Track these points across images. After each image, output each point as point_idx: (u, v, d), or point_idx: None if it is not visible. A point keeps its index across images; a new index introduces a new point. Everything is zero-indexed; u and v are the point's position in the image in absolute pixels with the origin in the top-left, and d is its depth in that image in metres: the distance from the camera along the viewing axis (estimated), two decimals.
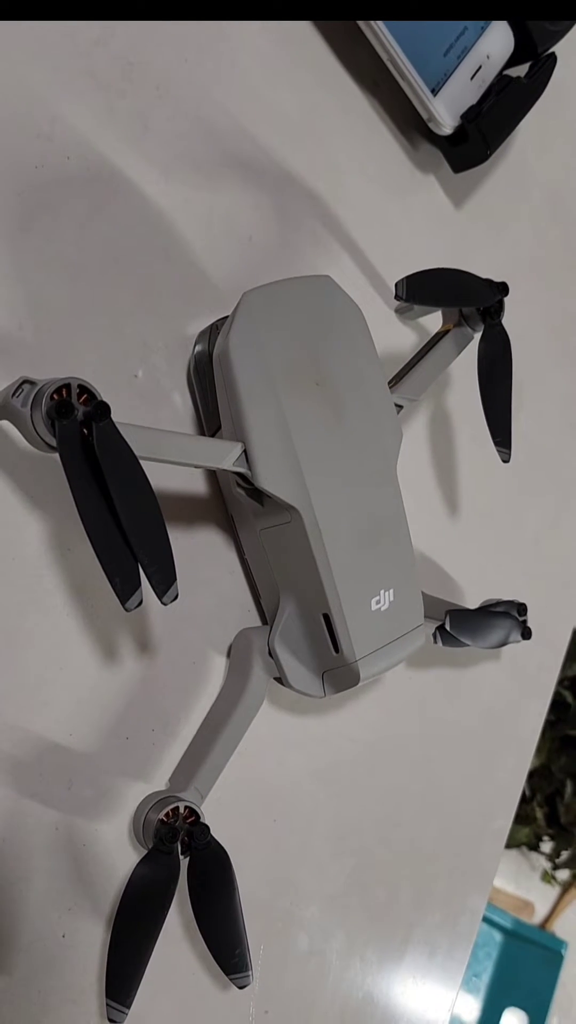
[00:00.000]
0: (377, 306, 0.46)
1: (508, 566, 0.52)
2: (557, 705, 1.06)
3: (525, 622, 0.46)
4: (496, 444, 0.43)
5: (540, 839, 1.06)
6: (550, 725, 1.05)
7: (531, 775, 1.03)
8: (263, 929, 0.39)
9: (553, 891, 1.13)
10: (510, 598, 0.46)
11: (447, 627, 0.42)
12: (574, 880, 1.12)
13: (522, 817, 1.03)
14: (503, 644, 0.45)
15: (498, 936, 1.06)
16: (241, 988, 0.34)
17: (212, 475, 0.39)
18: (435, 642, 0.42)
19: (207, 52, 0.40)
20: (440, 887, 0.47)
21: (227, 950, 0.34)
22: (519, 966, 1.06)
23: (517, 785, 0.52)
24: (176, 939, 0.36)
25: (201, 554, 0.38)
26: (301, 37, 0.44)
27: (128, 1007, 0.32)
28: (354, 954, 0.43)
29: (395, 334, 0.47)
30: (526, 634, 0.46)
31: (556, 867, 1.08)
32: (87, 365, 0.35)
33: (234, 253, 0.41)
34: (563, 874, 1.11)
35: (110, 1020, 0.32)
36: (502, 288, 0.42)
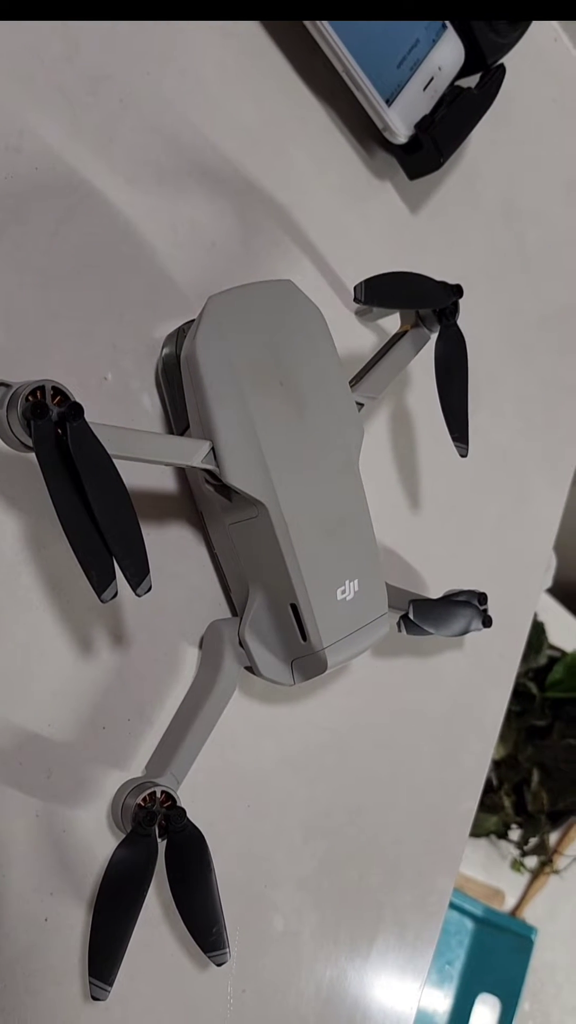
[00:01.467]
0: (337, 308, 0.47)
1: (469, 557, 0.54)
2: (522, 696, 1.09)
3: (486, 611, 0.48)
4: (454, 440, 0.45)
5: (508, 827, 1.09)
6: (516, 716, 1.08)
7: (498, 765, 1.05)
8: (239, 911, 0.41)
9: (522, 879, 1.15)
10: (471, 588, 0.48)
11: (411, 616, 0.44)
12: (543, 867, 1.15)
13: (490, 806, 1.05)
14: (465, 632, 0.47)
15: (469, 924, 1.08)
16: (219, 965, 0.36)
17: (182, 473, 0.40)
18: (400, 631, 0.44)
19: (168, 65, 0.42)
20: (409, 869, 0.49)
21: (205, 929, 0.35)
22: (491, 953, 1.08)
23: (482, 769, 0.54)
24: (155, 922, 0.38)
25: (172, 549, 0.40)
26: (259, 49, 0.46)
27: (111, 984, 0.33)
28: (327, 934, 0.44)
29: (355, 336, 0.48)
30: (487, 622, 0.48)
31: (524, 854, 1.11)
32: (58, 368, 0.37)
33: (198, 259, 0.42)
34: (531, 861, 1.14)
35: (93, 998, 0.33)
36: (456, 290, 0.44)
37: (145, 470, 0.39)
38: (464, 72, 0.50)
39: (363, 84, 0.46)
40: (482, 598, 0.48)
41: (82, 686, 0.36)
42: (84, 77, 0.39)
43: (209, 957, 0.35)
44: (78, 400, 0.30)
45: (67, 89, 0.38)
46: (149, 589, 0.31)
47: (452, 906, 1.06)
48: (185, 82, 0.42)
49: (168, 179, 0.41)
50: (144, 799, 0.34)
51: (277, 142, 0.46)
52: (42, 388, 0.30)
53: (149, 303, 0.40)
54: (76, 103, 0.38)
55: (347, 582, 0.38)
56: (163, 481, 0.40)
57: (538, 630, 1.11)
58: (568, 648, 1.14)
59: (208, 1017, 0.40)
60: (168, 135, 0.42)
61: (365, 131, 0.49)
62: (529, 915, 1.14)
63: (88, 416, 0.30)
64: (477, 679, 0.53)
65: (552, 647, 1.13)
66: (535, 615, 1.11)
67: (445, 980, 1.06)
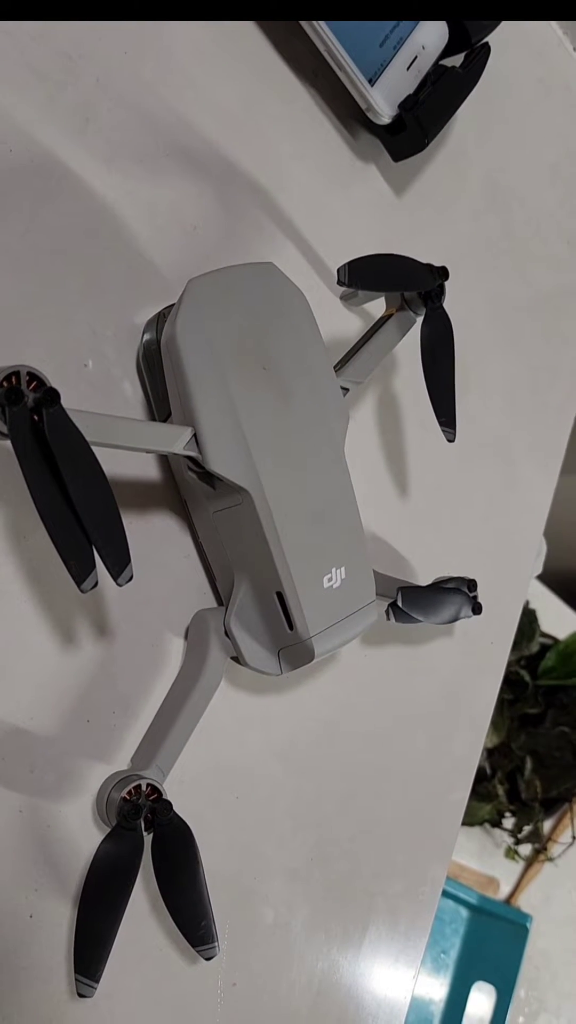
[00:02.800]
0: (322, 293, 0.47)
1: (458, 544, 0.53)
2: (515, 684, 1.09)
3: (475, 598, 0.47)
4: (441, 424, 0.45)
5: (502, 816, 1.08)
6: (509, 704, 1.07)
7: (491, 753, 1.05)
8: (228, 904, 0.40)
9: (517, 867, 1.15)
10: (460, 575, 0.48)
11: (399, 604, 0.43)
12: (537, 855, 1.14)
13: (484, 795, 1.05)
14: (455, 620, 0.46)
15: (464, 912, 1.07)
16: (208, 959, 0.35)
17: (165, 461, 0.40)
18: (388, 619, 0.43)
19: (146, 45, 0.41)
20: (401, 858, 0.48)
21: (193, 923, 0.35)
22: (486, 941, 1.08)
23: (473, 757, 0.53)
24: (143, 916, 0.37)
25: (156, 539, 0.39)
26: (239, 29, 0.45)
27: (97, 981, 0.32)
28: (318, 925, 0.44)
29: (340, 320, 0.48)
30: (477, 609, 0.47)
31: (518, 842, 1.11)
32: (36, 355, 0.36)
33: (180, 243, 0.41)
34: (525, 849, 1.14)
35: (80, 994, 0.32)
36: (442, 272, 0.43)
37: (127, 458, 0.38)
38: (448, 51, 0.49)
39: (345, 63, 0.45)
40: (472, 585, 0.47)
41: (65, 678, 0.36)
42: (58, 56, 0.38)
43: (198, 951, 0.35)
44: (56, 387, 0.29)
45: (41, 68, 0.37)
46: (131, 579, 0.30)
47: (447, 895, 1.06)
48: (164, 62, 0.42)
49: (147, 161, 0.41)
50: (129, 792, 0.34)
51: (259, 124, 0.45)
52: (17, 374, 0.29)
53: (129, 288, 0.39)
54: (50, 82, 0.37)
55: (333, 569, 0.38)
56: (146, 470, 0.39)
57: (530, 618, 1.11)
58: (560, 635, 1.13)
59: (198, 1012, 0.39)
60: (147, 116, 0.41)
61: (348, 112, 0.49)
62: (524, 903, 1.14)
63: (67, 403, 0.29)
64: (468, 667, 0.53)
65: (544, 635, 1.13)
66: (527, 602, 1.11)
67: (441, 968, 1.06)
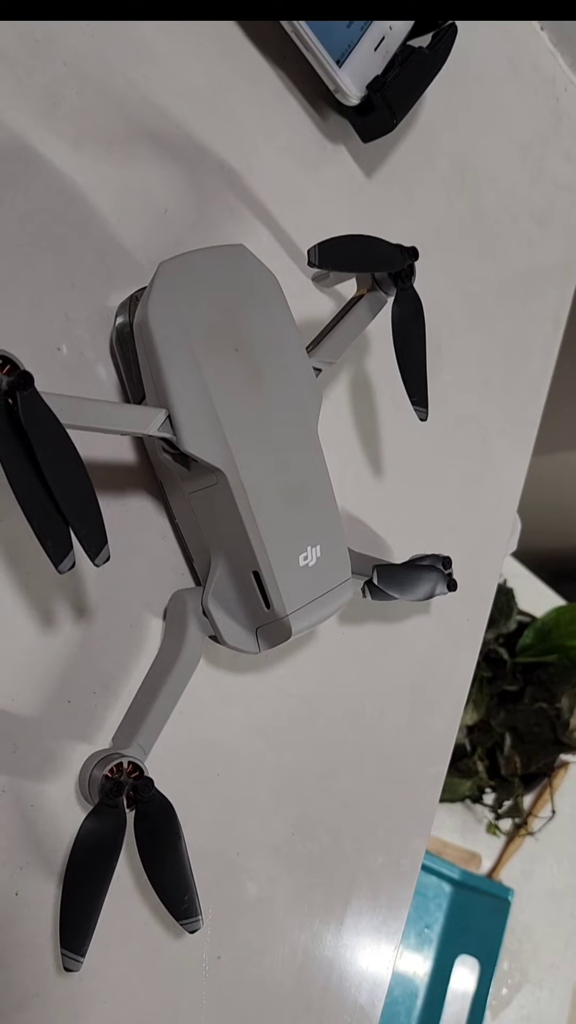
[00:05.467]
0: (294, 274, 0.47)
1: (433, 522, 0.54)
2: (494, 662, 1.10)
3: (451, 574, 0.48)
4: (413, 404, 0.45)
5: (483, 792, 1.10)
6: (487, 681, 1.09)
7: (471, 730, 1.06)
8: (212, 879, 0.41)
9: (498, 842, 1.16)
10: (435, 553, 0.48)
11: (375, 581, 0.44)
12: (517, 830, 1.16)
13: (464, 771, 1.06)
14: (430, 596, 0.47)
15: (447, 887, 1.09)
16: (192, 932, 0.36)
17: (140, 444, 0.40)
18: (364, 596, 0.44)
19: (113, 27, 0.41)
20: (381, 832, 0.49)
21: (176, 897, 0.35)
22: (469, 915, 1.09)
23: (451, 732, 0.54)
24: (128, 892, 0.38)
25: (133, 521, 0.39)
26: None
27: (83, 955, 0.33)
28: (301, 898, 0.45)
29: (313, 301, 0.48)
30: (452, 586, 0.48)
31: (499, 817, 1.12)
32: (9, 340, 0.36)
33: (151, 226, 0.41)
34: (506, 825, 1.15)
35: (66, 968, 0.33)
36: (412, 253, 0.44)
37: (103, 441, 0.39)
38: (415, 32, 0.49)
39: (313, 44, 0.45)
40: (446, 562, 0.48)
41: (46, 660, 0.36)
42: (24, 39, 0.38)
43: (182, 925, 0.36)
44: (30, 370, 0.30)
45: (7, 52, 0.37)
46: (108, 559, 0.31)
47: (430, 870, 1.07)
48: (131, 45, 0.42)
49: (117, 145, 0.41)
50: (111, 770, 0.34)
51: (228, 106, 0.45)
52: None
53: (101, 272, 0.40)
54: (17, 66, 0.37)
55: (309, 548, 0.38)
56: (121, 452, 0.39)
57: (507, 596, 1.12)
58: (537, 613, 1.15)
59: (184, 984, 0.40)
60: (116, 99, 0.41)
61: (317, 93, 0.49)
62: (505, 877, 1.15)
63: (41, 387, 0.29)
64: (445, 643, 0.54)
65: (522, 612, 1.14)
66: (504, 581, 1.12)
67: (424, 943, 1.07)
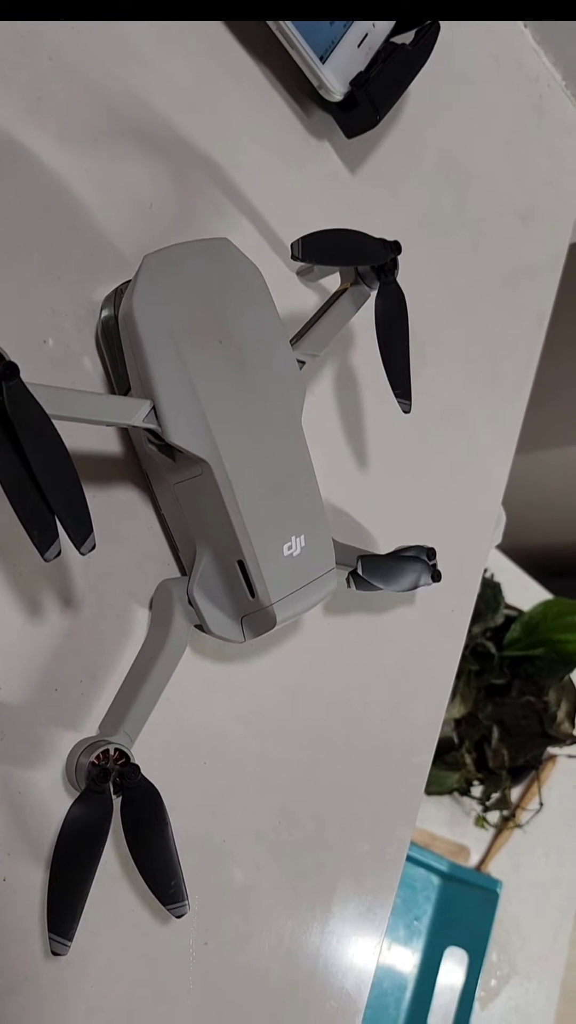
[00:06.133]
0: (278, 268, 0.47)
1: (417, 514, 0.55)
2: (481, 656, 1.11)
3: (435, 565, 0.48)
4: (396, 396, 0.46)
5: (470, 784, 1.11)
6: (475, 675, 1.09)
7: (459, 723, 1.07)
8: (198, 866, 0.41)
9: (487, 835, 1.17)
10: (420, 544, 0.49)
11: (359, 572, 0.44)
12: (506, 823, 1.17)
13: (452, 764, 1.07)
14: (415, 587, 0.47)
15: (436, 880, 1.10)
16: (178, 917, 0.36)
17: (126, 435, 0.40)
18: (349, 587, 0.45)
19: (97, 23, 0.41)
20: (366, 820, 0.50)
21: (163, 882, 0.36)
22: (457, 907, 1.10)
23: (436, 722, 0.55)
24: (115, 878, 0.38)
25: (119, 511, 0.40)
26: None
27: (70, 939, 0.33)
28: (287, 885, 0.45)
29: (297, 296, 0.49)
30: (436, 577, 0.48)
31: (487, 809, 1.13)
32: None
33: (136, 220, 0.42)
34: (494, 817, 1.16)
35: (54, 952, 0.33)
36: (395, 246, 0.44)
37: (89, 433, 0.39)
38: (399, 28, 0.50)
39: (296, 41, 0.45)
40: (431, 553, 0.48)
41: (32, 649, 0.37)
42: (9, 33, 0.38)
43: (168, 910, 0.36)
44: (14, 361, 0.30)
45: None
46: (93, 548, 0.31)
47: (418, 863, 1.08)
48: (116, 40, 0.42)
49: (102, 140, 0.41)
50: (97, 757, 0.35)
51: (212, 102, 0.46)
52: None
53: (87, 266, 0.40)
54: (2, 60, 0.38)
55: (293, 538, 0.39)
56: (107, 444, 0.40)
57: (495, 590, 1.13)
58: (524, 607, 1.15)
59: (170, 970, 0.40)
60: (101, 94, 0.41)
61: (300, 90, 0.49)
62: (494, 869, 1.16)
63: (28, 379, 0.30)
64: (429, 634, 0.54)
65: (508, 606, 1.15)
66: (492, 575, 1.13)
67: (413, 935, 1.08)
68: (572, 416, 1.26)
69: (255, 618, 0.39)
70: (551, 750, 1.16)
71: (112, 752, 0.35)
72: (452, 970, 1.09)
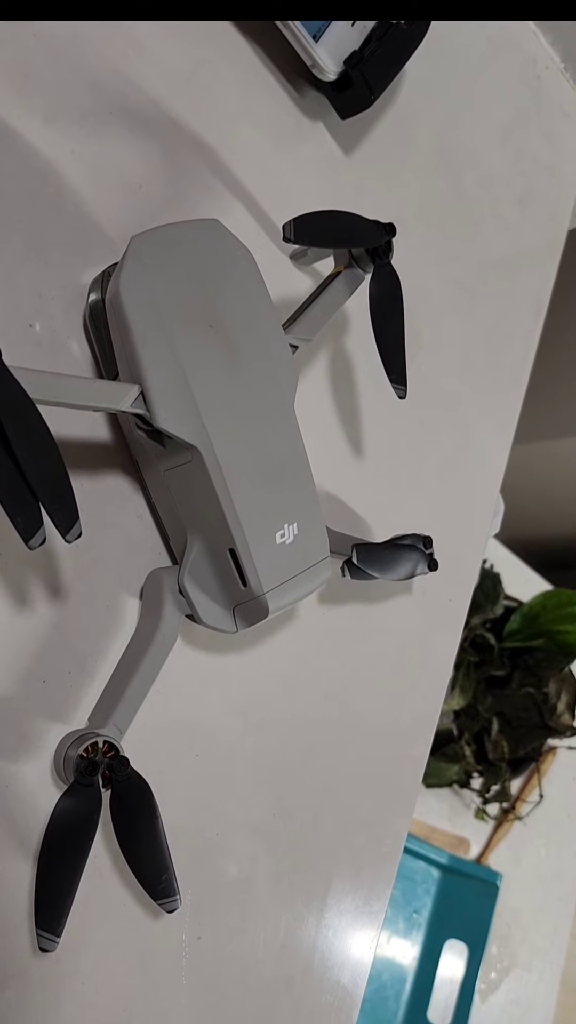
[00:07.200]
0: (271, 251, 0.47)
1: (414, 502, 0.54)
2: (481, 647, 1.10)
3: (432, 554, 0.48)
4: (392, 381, 0.45)
5: (470, 776, 1.10)
6: (475, 666, 1.09)
7: (458, 715, 1.07)
8: (191, 859, 0.41)
9: (486, 827, 1.17)
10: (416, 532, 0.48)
11: (354, 560, 0.43)
12: (505, 815, 1.17)
13: (451, 756, 1.06)
14: (411, 576, 0.47)
15: (435, 872, 1.09)
16: (170, 912, 0.36)
17: (115, 421, 0.39)
18: (344, 575, 0.44)
19: None
20: (363, 812, 0.49)
21: (153, 876, 0.35)
22: (457, 900, 1.10)
23: (434, 713, 0.54)
24: (106, 873, 0.38)
25: (108, 499, 0.39)
26: None
27: (58, 935, 0.33)
28: (282, 878, 0.45)
29: (290, 279, 0.48)
30: (432, 566, 0.47)
31: (487, 802, 1.13)
32: None
33: (125, 202, 0.41)
34: (494, 809, 1.16)
35: (42, 949, 0.33)
36: (389, 229, 0.44)
37: (78, 419, 0.38)
38: None
39: (289, 20, 0.45)
40: (427, 542, 0.48)
41: (19, 640, 0.36)
42: None
43: (159, 904, 0.35)
44: (0, 347, 0.29)
45: None
46: (79, 535, 0.30)
47: (418, 856, 1.08)
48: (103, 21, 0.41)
49: (89, 119, 0.40)
50: (86, 749, 0.34)
51: (203, 82, 0.45)
52: None
53: (74, 248, 0.39)
54: None
55: (286, 526, 0.38)
56: (95, 430, 0.39)
57: (494, 581, 1.12)
58: (524, 598, 1.15)
59: (163, 965, 0.40)
60: (88, 73, 0.40)
61: (294, 69, 0.48)
62: (494, 862, 1.16)
63: (14, 364, 0.29)
64: (427, 624, 0.54)
65: (508, 597, 1.14)
66: (491, 566, 1.12)
67: (413, 928, 1.08)
68: (573, 405, 1.25)
69: (247, 608, 0.38)
70: (551, 742, 1.16)
71: (101, 745, 0.34)
72: (452, 963, 1.08)
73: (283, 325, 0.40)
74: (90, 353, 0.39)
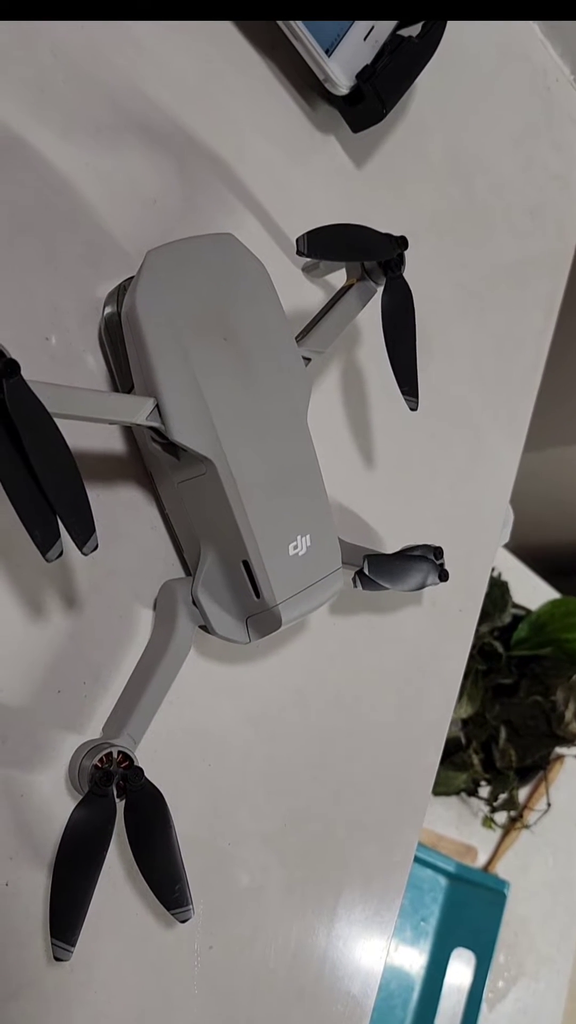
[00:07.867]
0: (283, 264, 0.47)
1: (424, 513, 0.54)
2: (489, 655, 1.10)
3: (442, 565, 0.48)
4: (403, 393, 0.45)
5: (478, 785, 1.10)
6: (483, 674, 1.09)
7: (466, 723, 1.06)
8: (204, 868, 0.41)
9: (494, 835, 1.17)
10: (427, 543, 0.48)
11: (366, 571, 0.44)
12: (513, 823, 1.16)
13: (459, 764, 1.06)
14: (422, 587, 0.47)
15: (443, 881, 1.09)
16: (183, 922, 0.36)
17: (130, 434, 0.40)
18: (355, 586, 0.44)
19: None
20: (373, 822, 0.49)
21: (167, 886, 0.35)
22: (464, 908, 1.09)
23: (444, 723, 0.54)
24: (119, 883, 0.38)
25: (122, 511, 0.39)
26: None
27: (73, 944, 0.33)
28: (293, 888, 0.45)
29: (303, 292, 0.48)
30: (443, 576, 0.48)
31: (494, 810, 1.12)
32: None
33: (139, 216, 0.41)
34: (502, 818, 1.15)
35: (57, 958, 0.33)
36: (401, 242, 0.44)
37: (93, 432, 0.38)
38: (405, 21, 0.49)
39: (302, 34, 0.45)
40: (438, 552, 0.48)
41: (35, 650, 0.36)
42: (11, 26, 0.38)
43: (172, 914, 0.35)
44: (17, 360, 0.29)
45: None
46: (96, 547, 0.31)
47: (425, 864, 1.07)
48: (119, 33, 0.41)
49: (104, 133, 0.41)
50: (101, 760, 0.34)
51: (216, 96, 0.45)
52: None
53: (90, 262, 0.40)
54: (3, 54, 0.37)
55: (299, 537, 0.38)
56: (111, 442, 0.39)
57: (502, 589, 1.12)
58: (532, 606, 1.15)
59: (176, 974, 0.40)
60: (103, 88, 0.41)
61: (306, 83, 0.49)
62: (501, 870, 1.16)
63: (30, 376, 0.29)
64: (437, 634, 0.54)
65: (516, 606, 1.14)
66: (499, 574, 1.12)
67: (420, 936, 1.07)
68: None
69: (260, 619, 0.38)
70: (559, 750, 1.16)
71: (115, 755, 0.35)
72: (459, 971, 1.08)
73: (296, 338, 0.41)
74: (105, 366, 0.39)
